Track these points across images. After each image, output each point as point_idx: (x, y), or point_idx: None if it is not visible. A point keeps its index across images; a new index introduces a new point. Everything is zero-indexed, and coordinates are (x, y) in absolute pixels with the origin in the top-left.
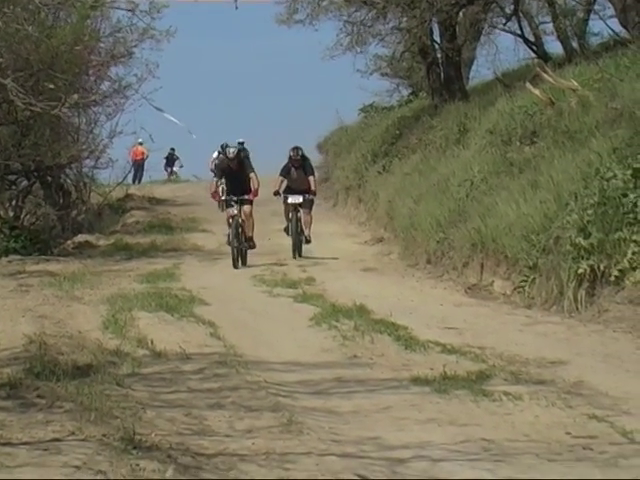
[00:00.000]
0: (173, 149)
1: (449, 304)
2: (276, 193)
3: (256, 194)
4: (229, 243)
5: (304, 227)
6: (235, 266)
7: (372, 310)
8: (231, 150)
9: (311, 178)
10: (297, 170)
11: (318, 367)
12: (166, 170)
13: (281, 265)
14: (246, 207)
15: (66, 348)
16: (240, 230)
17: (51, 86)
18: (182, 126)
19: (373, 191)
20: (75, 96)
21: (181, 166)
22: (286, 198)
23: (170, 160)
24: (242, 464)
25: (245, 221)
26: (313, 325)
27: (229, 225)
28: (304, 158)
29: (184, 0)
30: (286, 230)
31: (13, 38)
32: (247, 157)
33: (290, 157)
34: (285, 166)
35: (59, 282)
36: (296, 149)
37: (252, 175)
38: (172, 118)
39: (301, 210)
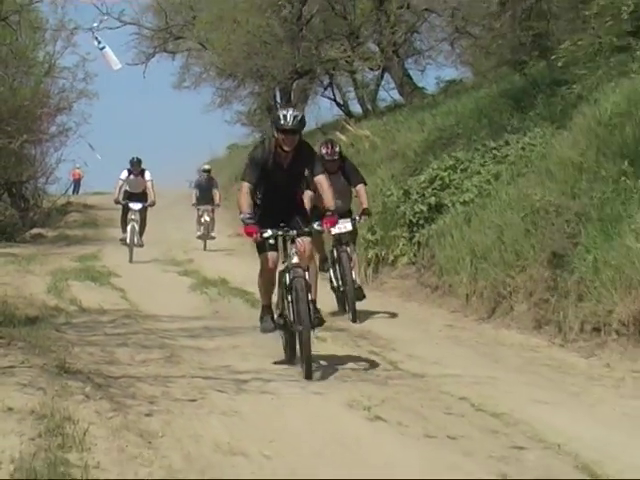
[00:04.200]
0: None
1: None
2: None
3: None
4: (275, 327)
5: (354, 272)
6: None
7: (230, 281)
8: (289, 113)
9: (361, 187)
10: (333, 177)
11: (192, 319)
12: None
13: (170, 251)
14: (307, 244)
15: (21, 305)
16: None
17: (8, 128)
18: (98, 157)
19: (235, 201)
20: (25, 136)
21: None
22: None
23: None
24: (138, 383)
25: (309, 269)
26: (190, 291)
27: (265, 287)
28: (343, 157)
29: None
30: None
31: None
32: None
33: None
34: None
35: (19, 261)
36: (331, 143)
37: (323, 178)
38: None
39: (343, 246)
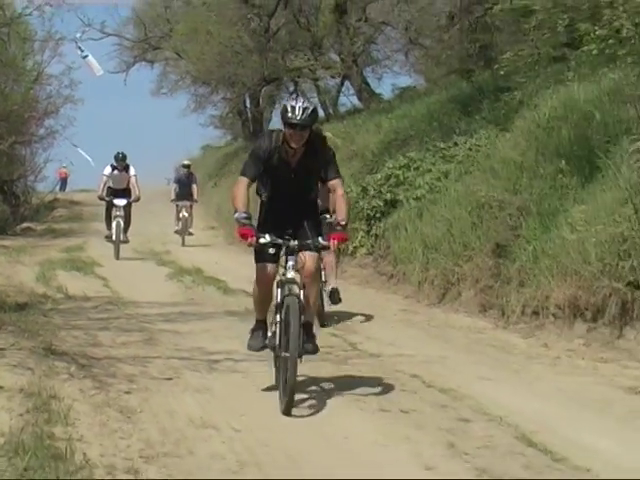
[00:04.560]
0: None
1: (251, 268)
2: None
3: (343, 237)
4: (269, 347)
5: (327, 276)
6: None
7: (204, 270)
8: (298, 105)
9: (337, 181)
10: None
11: (169, 305)
12: None
13: (149, 243)
14: (309, 260)
15: (12, 293)
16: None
17: None
18: (88, 158)
19: (209, 197)
20: (14, 137)
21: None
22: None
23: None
24: (119, 363)
25: (307, 289)
26: (167, 280)
27: (260, 300)
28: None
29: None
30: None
31: None
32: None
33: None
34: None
35: (9, 252)
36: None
37: (337, 183)
38: (83, 153)
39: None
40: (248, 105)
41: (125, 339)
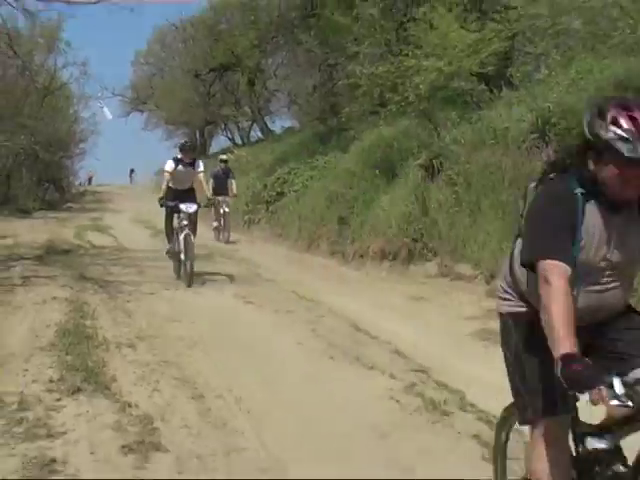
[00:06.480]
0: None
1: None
2: None
3: None
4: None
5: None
6: None
7: None
8: None
9: None
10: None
11: (152, 252)
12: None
13: (140, 215)
14: None
15: (60, 243)
16: None
17: (52, 149)
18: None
19: None
20: (61, 153)
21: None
22: None
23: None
24: (123, 285)
25: None
26: (152, 236)
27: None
28: None
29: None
30: None
31: (44, 132)
32: None
33: None
34: None
35: (59, 220)
36: None
37: None
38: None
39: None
40: (198, 137)
41: (127, 271)
